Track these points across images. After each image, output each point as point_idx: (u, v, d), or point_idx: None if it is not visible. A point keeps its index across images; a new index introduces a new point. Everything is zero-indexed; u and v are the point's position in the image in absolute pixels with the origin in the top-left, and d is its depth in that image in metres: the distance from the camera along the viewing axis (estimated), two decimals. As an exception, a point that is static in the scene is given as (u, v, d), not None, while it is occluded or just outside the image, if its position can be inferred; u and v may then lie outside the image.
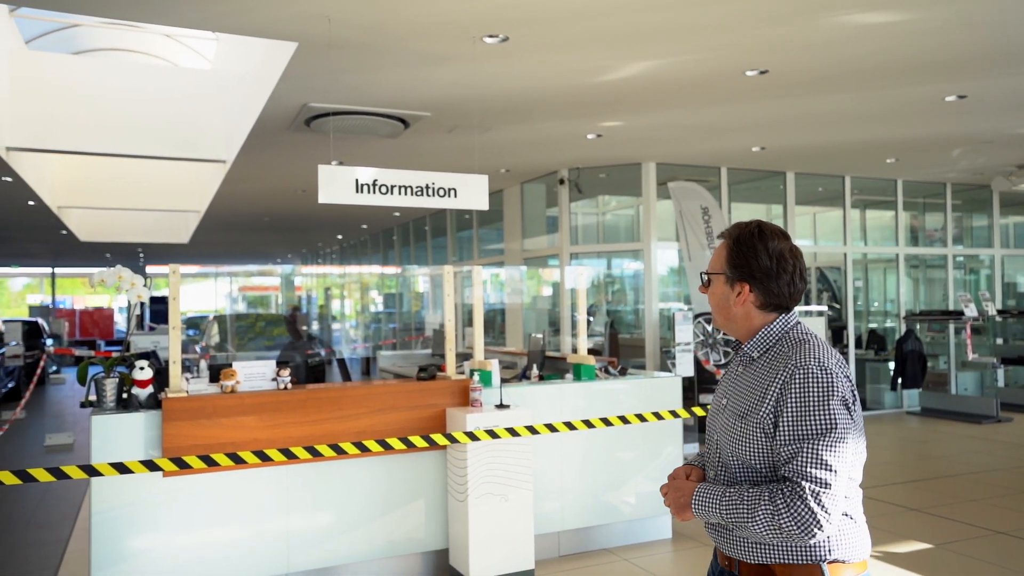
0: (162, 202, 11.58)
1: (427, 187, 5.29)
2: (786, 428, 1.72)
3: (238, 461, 3.75)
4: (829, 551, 1.73)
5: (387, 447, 4.01)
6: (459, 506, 4.32)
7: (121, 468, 3.53)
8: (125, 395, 3.99)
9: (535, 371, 5.29)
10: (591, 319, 9.81)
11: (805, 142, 8.30)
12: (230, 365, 4.19)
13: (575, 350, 5.44)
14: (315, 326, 16.88)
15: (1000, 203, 11.72)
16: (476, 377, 4.52)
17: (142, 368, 3.95)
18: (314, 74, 5.57)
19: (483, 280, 5.43)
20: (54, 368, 17.44)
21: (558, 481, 4.83)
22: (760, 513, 1.68)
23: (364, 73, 5.59)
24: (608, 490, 4.98)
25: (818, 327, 8.65)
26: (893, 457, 7.78)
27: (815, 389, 1.71)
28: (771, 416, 1.75)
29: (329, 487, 4.27)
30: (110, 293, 23.80)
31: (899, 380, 10.03)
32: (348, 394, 4.34)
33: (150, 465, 3.60)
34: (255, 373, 4.24)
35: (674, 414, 4.90)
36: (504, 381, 4.87)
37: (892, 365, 10.33)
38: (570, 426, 4.48)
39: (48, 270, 27.61)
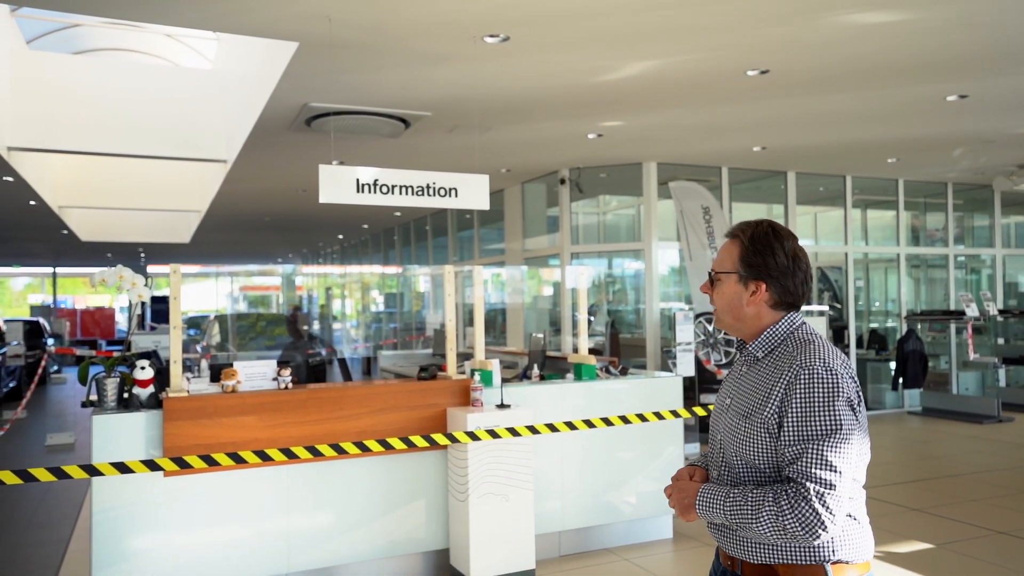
0: (163, 202, 11.60)
1: (428, 187, 5.29)
2: (791, 428, 1.71)
3: (239, 461, 3.75)
4: (833, 552, 1.73)
5: (388, 447, 4.01)
6: (460, 506, 4.32)
7: (122, 468, 3.53)
8: (126, 395, 3.99)
9: (536, 371, 5.29)
10: (592, 319, 9.81)
11: (806, 142, 8.30)
12: (231, 365, 4.19)
13: (576, 350, 5.44)
14: (316, 326, 16.90)
15: (1001, 203, 11.72)
16: (477, 377, 4.53)
17: (143, 368, 3.95)
18: (315, 74, 5.57)
19: (484, 280, 5.43)
20: (55, 368, 17.46)
21: (559, 481, 4.83)
22: (764, 514, 1.68)
23: (365, 73, 5.59)
24: (609, 490, 4.98)
25: (819, 327, 8.65)
26: (894, 457, 7.78)
27: (820, 390, 1.71)
28: (775, 416, 1.75)
29: (330, 487, 4.27)
30: (111, 293, 23.81)
31: (900, 380, 10.02)
32: (349, 394, 4.34)
33: (151, 465, 3.60)
34: (256, 373, 4.25)
35: (675, 414, 4.90)
36: (505, 381, 4.87)
37: (893, 365, 10.32)
38: (571, 426, 4.48)
39: (49, 270, 27.64)
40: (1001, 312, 10.99)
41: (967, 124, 7.55)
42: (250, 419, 4.05)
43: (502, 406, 4.45)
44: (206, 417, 3.95)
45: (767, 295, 1.86)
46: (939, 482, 6.73)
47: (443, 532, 4.52)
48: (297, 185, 10.50)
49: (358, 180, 5.08)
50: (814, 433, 1.69)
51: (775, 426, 1.75)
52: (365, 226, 16.67)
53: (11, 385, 12.87)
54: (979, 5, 4.54)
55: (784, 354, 1.82)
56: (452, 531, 4.45)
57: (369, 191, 5.11)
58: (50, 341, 16.39)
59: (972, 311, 9.82)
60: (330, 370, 10.38)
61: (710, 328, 8.19)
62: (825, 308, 9.93)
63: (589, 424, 4.53)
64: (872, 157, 9.25)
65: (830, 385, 1.71)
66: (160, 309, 22.03)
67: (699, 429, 7.88)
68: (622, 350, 9.55)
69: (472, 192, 5.43)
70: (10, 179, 8.49)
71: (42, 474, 3.39)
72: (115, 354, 4.18)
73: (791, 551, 1.74)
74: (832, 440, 1.68)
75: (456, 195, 5.37)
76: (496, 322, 12.25)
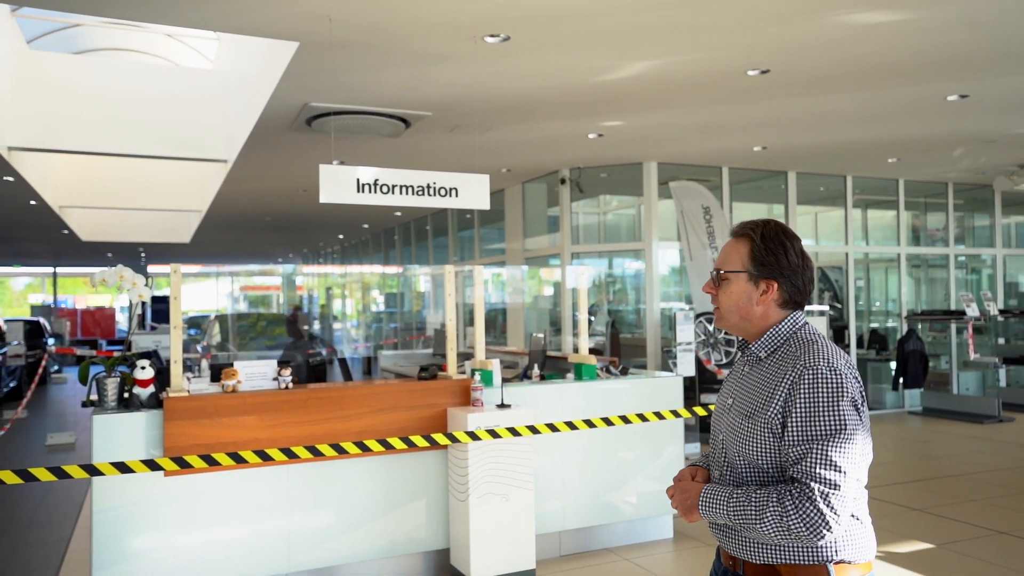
0: (164, 202, 11.59)
1: (428, 187, 5.29)
2: (795, 428, 1.71)
3: (239, 461, 3.75)
4: (836, 552, 1.73)
5: (388, 447, 4.01)
6: (460, 506, 4.32)
7: (122, 468, 3.53)
8: (126, 395, 3.99)
9: (536, 371, 5.29)
10: (592, 319, 9.81)
11: (807, 142, 8.29)
12: (231, 365, 4.19)
13: (576, 350, 5.44)
14: (316, 326, 16.91)
15: (1002, 203, 11.72)
16: (477, 377, 4.53)
17: (143, 368, 3.95)
18: (315, 74, 5.57)
19: (484, 280, 5.43)
20: (56, 367, 17.46)
21: (559, 481, 4.83)
22: (768, 514, 1.68)
23: (365, 73, 5.59)
24: (609, 490, 4.98)
25: (819, 327, 8.63)
26: (895, 457, 7.78)
27: (825, 390, 1.71)
28: (779, 416, 1.75)
29: (330, 487, 4.27)
30: (112, 292, 23.81)
31: (901, 380, 10.02)
32: (349, 394, 4.34)
33: (151, 465, 3.60)
34: (256, 373, 4.25)
35: (675, 414, 4.90)
36: (505, 381, 4.87)
37: (894, 365, 10.32)
38: (571, 426, 4.48)
39: (50, 270, 27.64)
40: (1002, 312, 10.99)
41: (968, 124, 7.55)
42: (250, 419, 4.06)
43: (502, 406, 4.45)
44: (206, 417, 3.95)
45: (777, 294, 1.87)
46: (939, 482, 6.73)
47: (443, 532, 4.52)
48: (297, 185, 10.50)
49: (358, 180, 5.08)
50: (818, 433, 1.69)
51: (779, 426, 1.75)
52: (366, 226, 16.67)
53: (11, 385, 12.88)
54: (979, 5, 4.54)
55: (787, 354, 1.81)
56: (452, 531, 4.45)
57: (369, 191, 5.11)
58: (50, 341, 16.40)
59: (972, 311, 9.81)
60: (330, 370, 10.39)
61: (710, 328, 8.19)
62: (825, 308, 9.92)
63: (589, 424, 4.53)
64: (872, 157, 9.25)
65: (834, 385, 1.71)
66: (160, 309, 22.04)
67: (699, 429, 7.88)
68: (622, 350, 9.55)
69: (472, 192, 5.43)
70: (11, 179, 8.49)
71: (42, 474, 3.39)
72: (115, 354, 4.18)
73: (794, 551, 1.74)
74: (836, 440, 1.68)
75: (456, 195, 5.37)
76: (496, 322, 12.25)
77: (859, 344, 10.82)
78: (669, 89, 6.15)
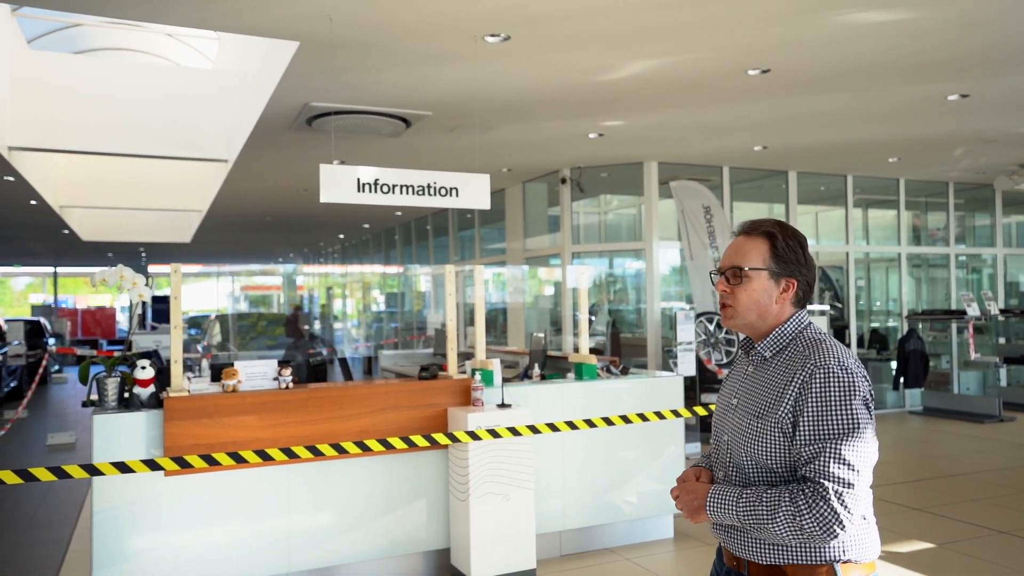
0: (164, 201, 11.59)
1: (429, 186, 5.29)
2: (807, 428, 1.71)
3: (239, 460, 3.75)
4: (843, 552, 1.73)
5: (389, 446, 4.01)
6: (461, 505, 4.32)
7: (123, 467, 3.53)
8: (127, 394, 3.99)
9: (537, 370, 5.29)
10: (593, 318, 9.81)
11: (807, 141, 8.29)
12: (232, 364, 4.19)
13: (577, 349, 5.44)
14: (317, 325, 16.90)
15: (1002, 202, 11.71)
16: (478, 376, 4.52)
17: (144, 367, 3.95)
18: (316, 73, 5.57)
19: (485, 279, 5.43)
20: (56, 367, 17.46)
21: (560, 480, 4.83)
22: (781, 514, 1.67)
23: (366, 72, 5.59)
24: (610, 489, 4.98)
25: (820, 326, 8.64)
26: (895, 456, 7.77)
27: (836, 389, 1.71)
28: (790, 416, 1.74)
29: (331, 486, 4.27)
30: (112, 292, 23.82)
31: (901, 379, 10.02)
32: (350, 393, 4.34)
33: (152, 464, 3.60)
34: (257, 372, 4.25)
35: (676, 413, 4.89)
36: (506, 380, 4.87)
37: (894, 364, 10.32)
38: (572, 425, 4.48)
39: (50, 269, 27.65)
40: (1002, 311, 10.98)
41: (968, 123, 7.54)
42: (251, 419, 4.05)
43: (503, 406, 4.45)
44: (207, 417, 3.95)
45: (794, 292, 1.88)
46: (940, 482, 6.73)
47: (444, 532, 4.52)
48: (298, 184, 10.50)
49: (359, 180, 5.08)
50: (831, 432, 1.68)
51: (789, 426, 1.74)
52: (366, 226, 16.67)
53: (12, 385, 12.88)
54: (979, 5, 4.54)
55: (795, 354, 1.81)
56: (453, 531, 4.45)
57: (370, 191, 5.11)
58: (51, 341, 16.39)
59: (973, 310, 9.81)
60: (331, 370, 10.37)
61: (711, 327, 8.19)
62: (826, 308, 9.92)
63: (590, 424, 4.53)
64: (873, 157, 9.24)
65: (846, 384, 1.71)
66: (161, 309, 22.02)
67: (700, 429, 7.87)
68: (623, 350, 9.55)
69: (473, 192, 5.43)
70: (11, 179, 8.50)
71: (43, 474, 3.39)
72: (116, 354, 4.18)
73: (800, 551, 1.73)
74: (849, 439, 1.67)
75: (457, 195, 5.37)
76: (497, 322, 12.24)
77: (860, 344, 10.82)
78: (669, 89, 6.14)
